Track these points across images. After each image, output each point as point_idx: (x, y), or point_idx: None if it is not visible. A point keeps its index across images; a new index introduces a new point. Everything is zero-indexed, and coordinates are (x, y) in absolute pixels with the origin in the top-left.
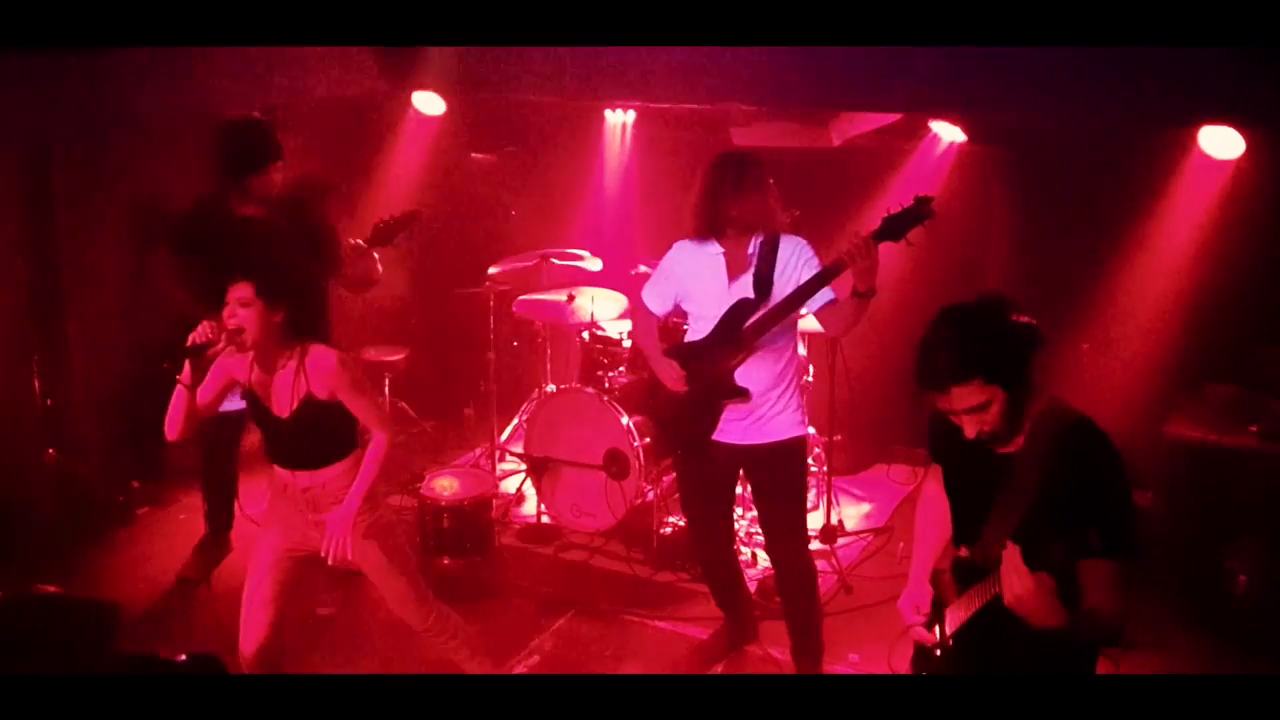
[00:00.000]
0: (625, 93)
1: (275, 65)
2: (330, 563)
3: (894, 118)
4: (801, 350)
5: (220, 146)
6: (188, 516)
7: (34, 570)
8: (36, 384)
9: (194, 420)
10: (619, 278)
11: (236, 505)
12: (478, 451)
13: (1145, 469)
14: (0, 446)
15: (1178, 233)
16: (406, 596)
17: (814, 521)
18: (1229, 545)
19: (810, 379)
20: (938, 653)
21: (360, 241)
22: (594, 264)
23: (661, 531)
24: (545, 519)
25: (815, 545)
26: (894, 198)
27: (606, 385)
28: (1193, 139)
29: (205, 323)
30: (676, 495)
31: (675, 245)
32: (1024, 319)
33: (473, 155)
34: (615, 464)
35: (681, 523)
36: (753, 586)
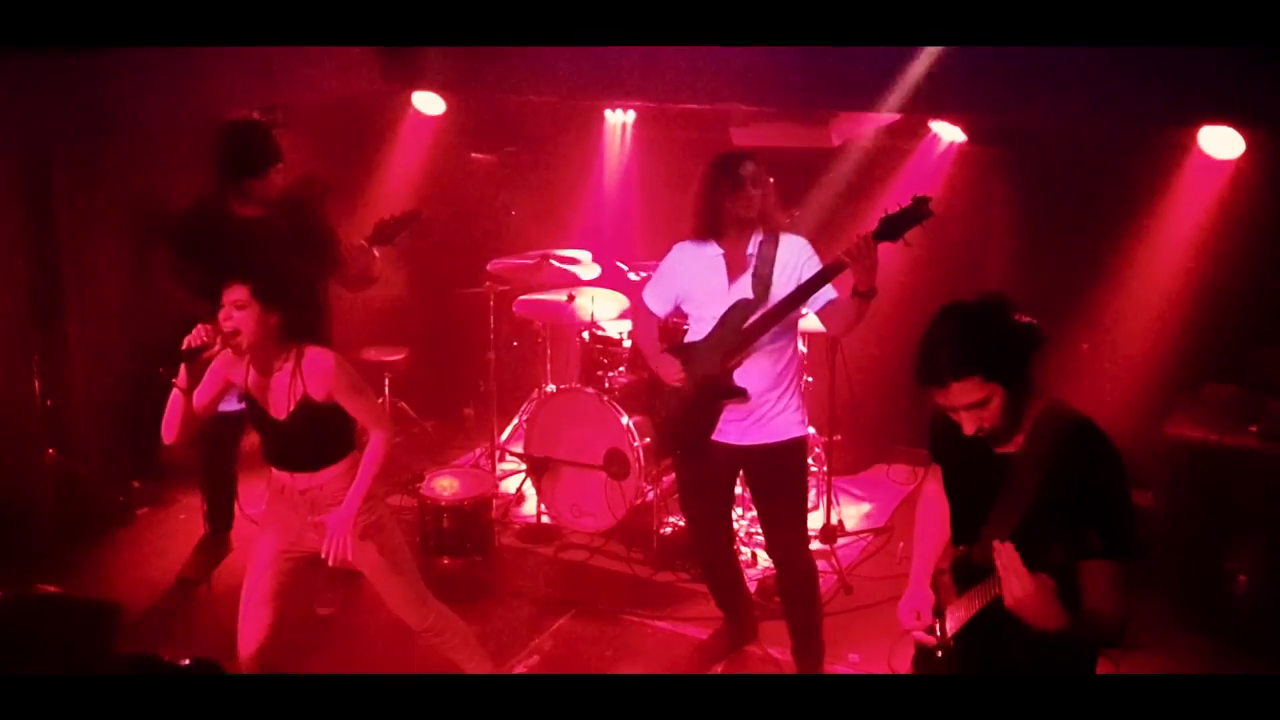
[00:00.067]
0: (625, 93)
1: (275, 65)
2: (330, 564)
3: (894, 118)
4: (802, 349)
5: (220, 148)
6: (188, 516)
7: (34, 570)
8: (36, 384)
9: (191, 424)
10: (619, 278)
11: (236, 505)
12: (478, 451)
13: (1145, 469)
14: (0, 446)
15: (1178, 233)
16: (406, 597)
17: (814, 521)
18: (1229, 545)
19: (810, 379)
20: (939, 654)
21: (361, 240)
22: (591, 270)
23: (661, 531)
24: (545, 519)
25: (815, 545)
26: (894, 197)
27: (606, 385)
28: (1193, 139)
29: (200, 326)
30: (676, 495)
31: (675, 246)
32: (1025, 319)
33: (473, 155)
34: (615, 464)
35: (681, 523)
36: (753, 586)
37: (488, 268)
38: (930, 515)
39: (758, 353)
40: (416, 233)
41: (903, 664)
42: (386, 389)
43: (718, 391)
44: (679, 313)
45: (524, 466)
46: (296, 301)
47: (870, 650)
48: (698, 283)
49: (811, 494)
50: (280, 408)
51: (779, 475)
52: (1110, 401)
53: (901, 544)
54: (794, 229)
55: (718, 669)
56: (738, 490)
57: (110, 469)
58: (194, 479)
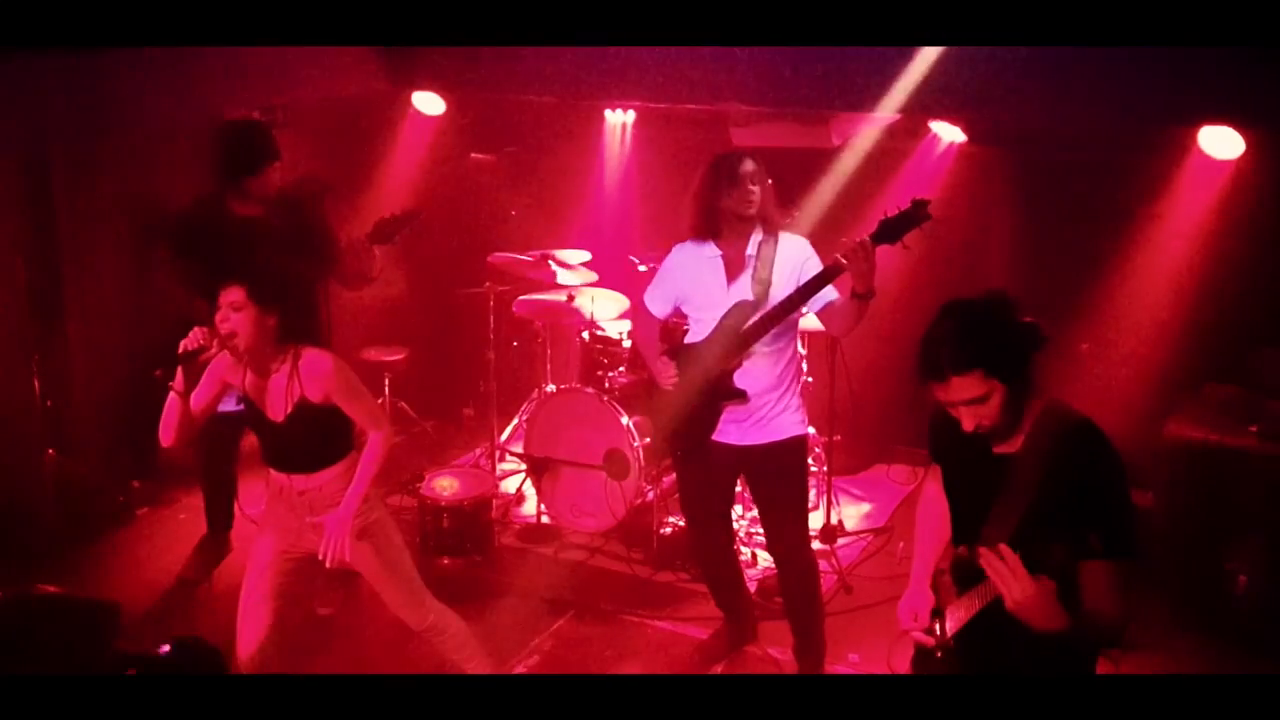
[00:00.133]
0: (625, 93)
1: (275, 65)
2: (328, 565)
3: (894, 118)
4: (801, 349)
5: (219, 147)
6: (188, 516)
7: (34, 570)
8: (36, 384)
9: (188, 426)
10: (619, 277)
11: (236, 505)
12: (478, 451)
13: (1145, 469)
14: (0, 446)
15: (1177, 233)
16: (404, 597)
17: (814, 521)
18: (1229, 545)
19: (810, 379)
20: (938, 654)
21: (362, 238)
22: (589, 275)
23: (661, 531)
24: (545, 519)
25: (815, 545)
26: (894, 197)
27: (606, 385)
28: (1193, 139)
29: (197, 329)
30: (676, 495)
31: (675, 248)
32: (1027, 318)
33: (473, 155)
34: (615, 464)
35: (681, 523)
36: (753, 586)
37: (489, 260)
38: (930, 515)
39: (757, 354)
40: (416, 232)
41: (902, 664)
42: (386, 389)
43: (718, 393)
44: (679, 314)
45: (524, 466)
46: (294, 303)
47: (870, 650)
48: (696, 284)
49: (811, 494)
50: (278, 410)
51: (779, 474)
52: (1110, 401)
53: (901, 544)
54: (794, 229)
55: (718, 669)
56: (738, 490)
57: (110, 469)
58: (194, 479)
